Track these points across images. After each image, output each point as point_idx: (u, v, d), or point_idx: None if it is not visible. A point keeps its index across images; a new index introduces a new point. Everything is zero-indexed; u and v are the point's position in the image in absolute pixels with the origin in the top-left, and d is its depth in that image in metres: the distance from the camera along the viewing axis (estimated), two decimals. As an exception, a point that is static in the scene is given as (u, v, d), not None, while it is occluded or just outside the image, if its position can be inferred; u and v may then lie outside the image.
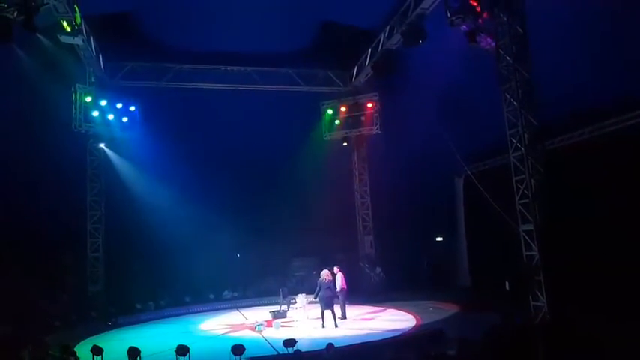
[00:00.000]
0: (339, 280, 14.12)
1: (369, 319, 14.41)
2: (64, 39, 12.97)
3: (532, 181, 10.96)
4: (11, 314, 12.53)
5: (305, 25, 16.43)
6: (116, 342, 12.37)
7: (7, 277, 13.84)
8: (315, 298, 13.28)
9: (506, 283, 12.12)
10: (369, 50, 17.33)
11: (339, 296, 13.90)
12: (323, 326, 12.90)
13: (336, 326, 12.90)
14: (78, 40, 13.28)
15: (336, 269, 14.15)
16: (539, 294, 10.60)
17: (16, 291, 13.77)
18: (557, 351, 8.00)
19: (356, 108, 19.66)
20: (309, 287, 15.51)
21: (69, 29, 12.63)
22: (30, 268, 14.66)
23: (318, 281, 13.23)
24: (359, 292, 18.20)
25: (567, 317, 9.73)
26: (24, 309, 13.26)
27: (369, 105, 19.46)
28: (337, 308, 13.61)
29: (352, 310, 15.52)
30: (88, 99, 16.47)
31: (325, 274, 13.23)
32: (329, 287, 13.04)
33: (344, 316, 13.97)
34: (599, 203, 12.54)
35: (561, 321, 9.80)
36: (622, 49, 11.85)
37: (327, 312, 13.01)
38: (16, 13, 10.91)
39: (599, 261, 11.88)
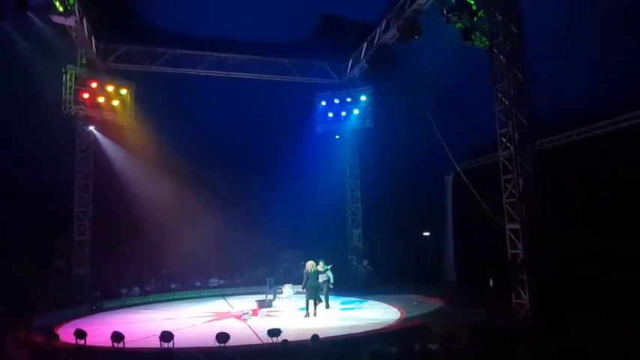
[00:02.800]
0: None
1: (355, 311, 14.52)
2: (56, 19, 12.74)
3: (520, 180, 11.07)
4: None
5: (302, 16, 16.30)
6: (100, 326, 12.34)
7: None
8: (302, 288, 13.63)
9: (490, 280, 12.28)
10: (365, 44, 17.32)
11: (323, 288, 14.11)
12: (307, 315, 13.13)
13: (315, 315, 13.18)
14: (70, 21, 13.08)
15: (321, 264, 14.24)
16: (522, 292, 10.76)
17: (2, 273, 13.67)
18: (538, 348, 8.11)
19: (349, 101, 19.66)
20: (296, 278, 15.60)
21: (61, 9, 12.41)
22: (17, 250, 14.54)
23: (304, 272, 13.53)
24: (345, 285, 18.37)
25: (549, 315, 9.89)
26: (10, 291, 13.15)
27: (363, 98, 19.47)
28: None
29: (338, 302, 15.65)
30: (79, 81, 16.26)
31: (310, 264, 13.52)
32: (316, 278, 13.43)
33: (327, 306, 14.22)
34: (586, 204, 12.70)
35: (543, 319, 9.96)
36: (614, 51, 11.94)
37: (312, 301, 13.28)
38: (7, -9, 10.72)
39: (585, 261, 12.06)
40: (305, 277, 13.50)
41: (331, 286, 14.35)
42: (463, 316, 11.88)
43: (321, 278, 13.93)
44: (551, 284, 10.36)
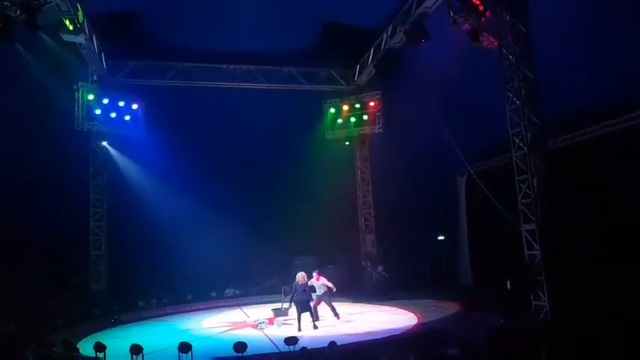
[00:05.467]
0: (324, 282, 13.71)
1: (371, 317, 14.43)
2: (66, 37, 12.99)
3: (534, 180, 10.96)
4: (15, 312, 12.58)
5: (308, 24, 16.41)
6: (119, 339, 12.41)
7: (10, 275, 13.89)
8: (290, 302, 12.90)
9: (508, 282, 12.14)
10: (372, 49, 17.33)
11: (326, 297, 13.61)
12: (299, 329, 12.29)
13: (315, 327, 12.54)
14: (80, 39, 13.32)
15: (315, 275, 13.77)
16: (540, 293, 10.61)
17: (19, 289, 13.83)
18: (559, 351, 8.00)
19: (358, 107, 19.64)
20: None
21: (71, 27, 12.65)
22: (33, 266, 14.70)
23: (293, 284, 12.82)
24: (361, 291, 18.29)
25: (569, 317, 9.74)
26: (27, 307, 13.29)
27: (372, 104, 19.42)
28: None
29: (354, 309, 15.59)
30: (91, 97, 16.46)
31: (300, 276, 12.84)
32: (304, 290, 12.67)
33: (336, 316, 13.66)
34: (602, 203, 12.52)
35: (563, 321, 9.81)
36: (625, 48, 11.82)
37: (305, 315, 12.62)
38: (18, 12, 10.95)
39: (602, 260, 11.86)
40: (293, 290, 12.77)
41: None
42: (481, 319, 11.74)
43: (320, 290, 13.52)
44: (570, 285, 10.20)
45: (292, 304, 12.81)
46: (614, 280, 11.29)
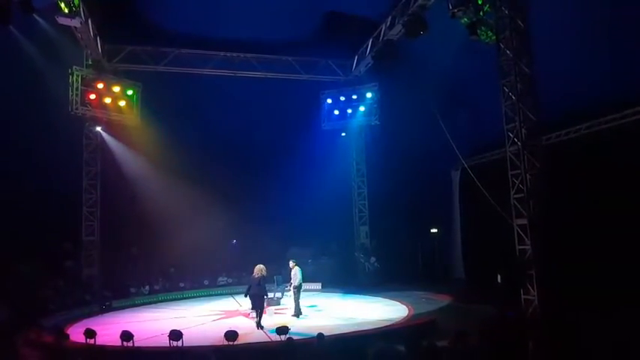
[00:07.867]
0: (297, 275, 13.29)
1: (362, 308, 14.51)
2: (61, 20, 12.80)
3: (527, 175, 10.99)
4: (7, 298, 12.55)
5: (307, 13, 16.29)
6: (109, 325, 12.44)
7: (3, 260, 13.85)
8: (245, 296, 12.35)
9: (498, 276, 12.22)
10: (370, 40, 17.25)
11: (294, 292, 13.20)
12: (258, 326, 11.79)
13: (261, 327, 11.77)
14: (75, 22, 13.12)
15: (291, 264, 13.56)
16: (530, 288, 10.69)
17: (11, 274, 13.79)
18: (547, 344, 8.08)
19: (355, 98, 19.59)
20: (304, 276, 15.55)
21: (67, 10, 12.44)
22: (25, 251, 14.65)
23: (250, 278, 12.31)
24: (353, 282, 18.37)
25: (557, 311, 9.83)
26: (19, 292, 13.27)
27: (369, 95, 19.40)
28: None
29: (346, 300, 15.64)
30: (85, 82, 16.31)
31: (257, 270, 12.18)
32: (258, 284, 12.01)
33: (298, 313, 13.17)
34: (594, 199, 12.59)
35: (551, 315, 9.91)
36: (620, 46, 11.81)
37: (264, 309, 12.24)
38: (13, -6, 10.79)
39: (593, 256, 11.96)
40: (249, 285, 12.22)
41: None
42: (471, 312, 11.84)
43: (295, 280, 13.16)
44: (560, 280, 10.28)
45: (247, 297, 12.23)
46: (605, 275, 11.40)
